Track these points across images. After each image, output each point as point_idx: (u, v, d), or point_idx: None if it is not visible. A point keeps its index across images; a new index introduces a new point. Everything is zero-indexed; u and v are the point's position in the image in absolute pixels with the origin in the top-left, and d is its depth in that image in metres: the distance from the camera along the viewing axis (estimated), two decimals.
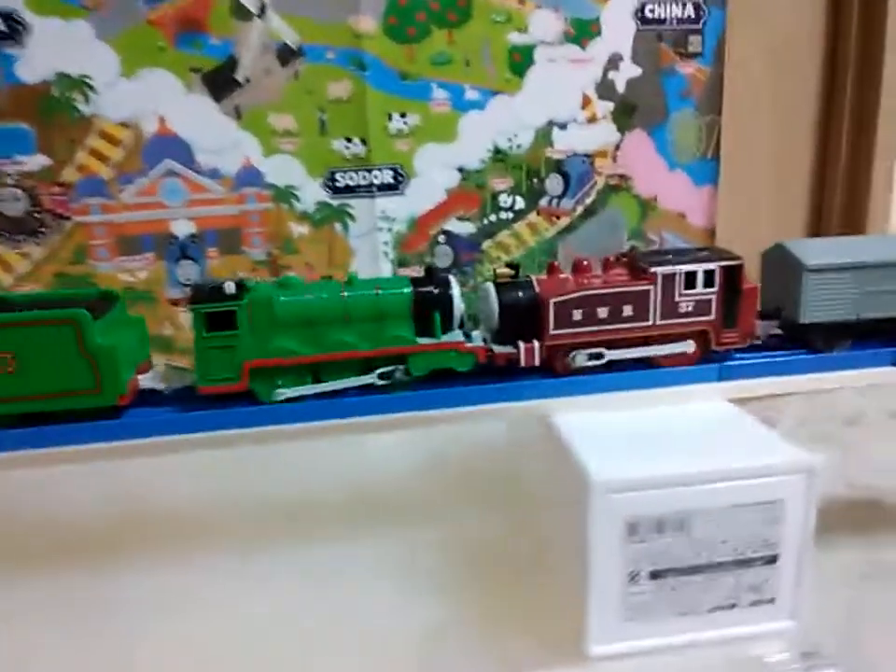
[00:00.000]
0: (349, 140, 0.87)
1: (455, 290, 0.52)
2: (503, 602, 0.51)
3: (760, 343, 0.58)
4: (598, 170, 0.97)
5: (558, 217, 0.97)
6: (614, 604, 0.43)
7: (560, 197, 0.97)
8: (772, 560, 0.44)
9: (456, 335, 0.52)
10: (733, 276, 0.53)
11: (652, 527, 0.42)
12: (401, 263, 0.93)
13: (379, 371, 0.50)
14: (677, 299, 0.53)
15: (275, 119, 0.85)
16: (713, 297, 0.53)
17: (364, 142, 0.88)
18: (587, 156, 0.96)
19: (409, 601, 0.56)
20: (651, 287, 0.52)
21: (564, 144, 0.95)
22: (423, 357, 0.51)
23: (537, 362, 0.52)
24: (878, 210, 1.03)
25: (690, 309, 0.53)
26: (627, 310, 0.52)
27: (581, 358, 0.52)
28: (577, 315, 0.51)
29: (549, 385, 0.53)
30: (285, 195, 0.87)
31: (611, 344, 0.52)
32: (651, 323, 0.53)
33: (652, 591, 0.43)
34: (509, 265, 0.54)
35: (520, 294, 0.52)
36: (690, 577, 0.43)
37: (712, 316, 0.53)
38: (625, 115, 0.96)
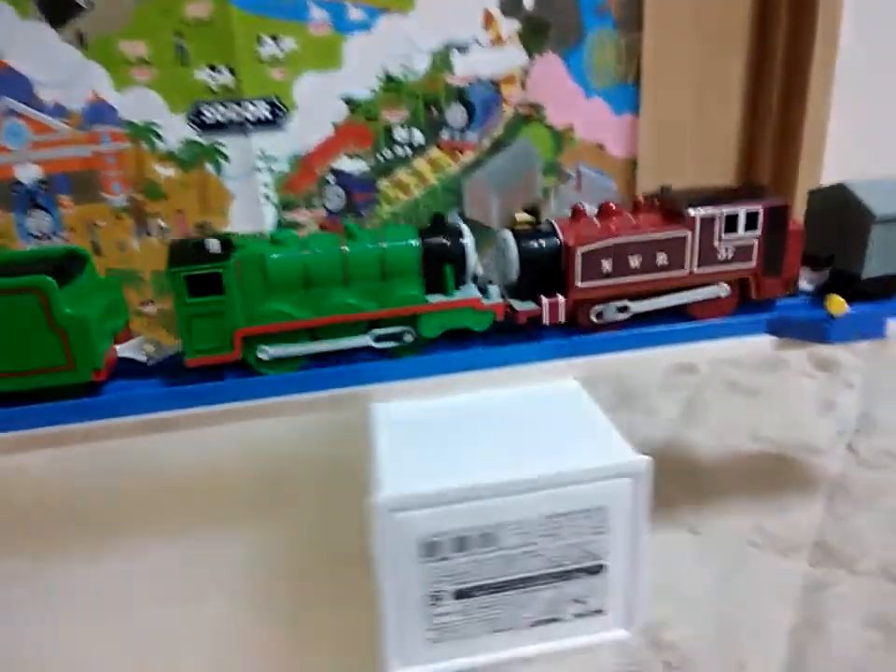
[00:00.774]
0: (214, 68, 0.77)
1: (468, 240, 0.46)
2: (319, 613, 0.47)
3: (809, 291, 0.53)
4: (506, 98, 0.88)
5: (462, 152, 0.89)
6: (416, 626, 0.38)
7: (464, 129, 0.88)
8: (597, 570, 0.39)
9: (472, 291, 0.47)
10: (777, 218, 0.48)
11: (454, 545, 0.37)
12: (286, 206, 0.85)
13: (387, 331, 0.45)
14: (716, 244, 0.48)
15: (126, 46, 0.75)
16: (755, 241, 0.48)
17: (232, 70, 0.78)
18: (492, 82, 0.87)
19: (211, 606, 0.52)
20: (689, 233, 0.47)
21: (465, 69, 0.85)
22: (435, 317, 0.46)
23: (562, 318, 0.47)
24: (813, 136, 0.95)
25: (730, 255, 0.48)
26: (661, 258, 0.47)
27: (610, 312, 0.47)
28: (606, 265, 0.46)
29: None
30: (144, 133, 0.78)
31: (641, 297, 0.48)
32: (687, 272, 0.48)
33: (460, 610, 0.38)
34: (528, 210, 0.48)
35: (543, 243, 0.47)
36: (502, 593, 0.38)
37: (753, 263, 0.49)
38: (535, 35, 0.87)
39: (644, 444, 0.73)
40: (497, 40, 0.85)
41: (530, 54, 0.87)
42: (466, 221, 0.91)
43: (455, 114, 0.87)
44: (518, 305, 0.47)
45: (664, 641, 0.52)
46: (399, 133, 0.85)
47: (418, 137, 0.86)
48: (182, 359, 0.44)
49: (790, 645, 0.52)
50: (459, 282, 0.46)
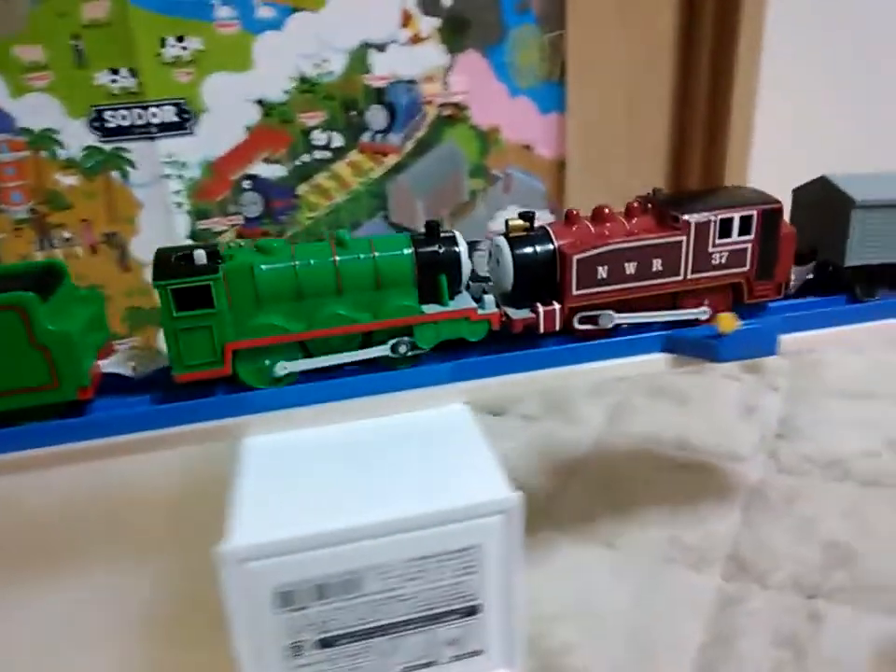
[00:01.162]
0: (115, 71, 0.74)
1: (462, 248, 0.45)
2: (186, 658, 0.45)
3: (793, 291, 0.53)
4: (428, 98, 0.86)
5: (385, 155, 0.86)
6: None
7: (385, 131, 0.85)
8: (471, 611, 0.38)
9: (466, 301, 0.46)
10: (770, 221, 0.48)
11: (313, 594, 0.35)
12: (200, 214, 0.82)
13: (389, 343, 0.45)
14: (710, 249, 0.48)
15: (21, 51, 0.71)
16: (749, 245, 0.48)
17: (134, 73, 0.74)
18: (413, 82, 0.84)
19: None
20: (683, 238, 0.47)
21: (384, 69, 0.83)
22: (430, 328, 0.45)
23: (557, 327, 0.46)
24: (740, 135, 0.95)
25: (723, 261, 0.48)
26: (657, 264, 0.47)
27: (605, 320, 0.47)
28: (602, 272, 0.46)
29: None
30: (43, 140, 0.74)
31: (634, 305, 0.48)
32: (681, 278, 0.48)
33: (325, 660, 0.36)
34: (522, 216, 0.47)
35: (537, 250, 0.46)
36: (369, 640, 0.37)
37: (746, 267, 0.49)
38: (455, 33, 0.84)
39: (566, 455, 0.74)
40: (417, 39, 0.83)
41: (452, 53, 0.85)
42: (392, 226, 0.89)
43: (376, 115, 0.84)
44: (514, 313, 0.46)
45: (566, 667, 0.51)
46: (317, 137, 0.83)
47: (337, 140, 0.84)
48: (169, 373, 0.43)
49: (699, 664, 0.51)
50: (453, 291, 0.46)
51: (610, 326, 0.47)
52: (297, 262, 0.43)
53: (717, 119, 0.94)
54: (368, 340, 0.45)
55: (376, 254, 0.44)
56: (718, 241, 0.47)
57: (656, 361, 0.48)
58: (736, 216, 0.47)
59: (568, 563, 0.60)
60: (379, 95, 0.83)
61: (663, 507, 0.66)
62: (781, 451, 0.72)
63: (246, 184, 0.82)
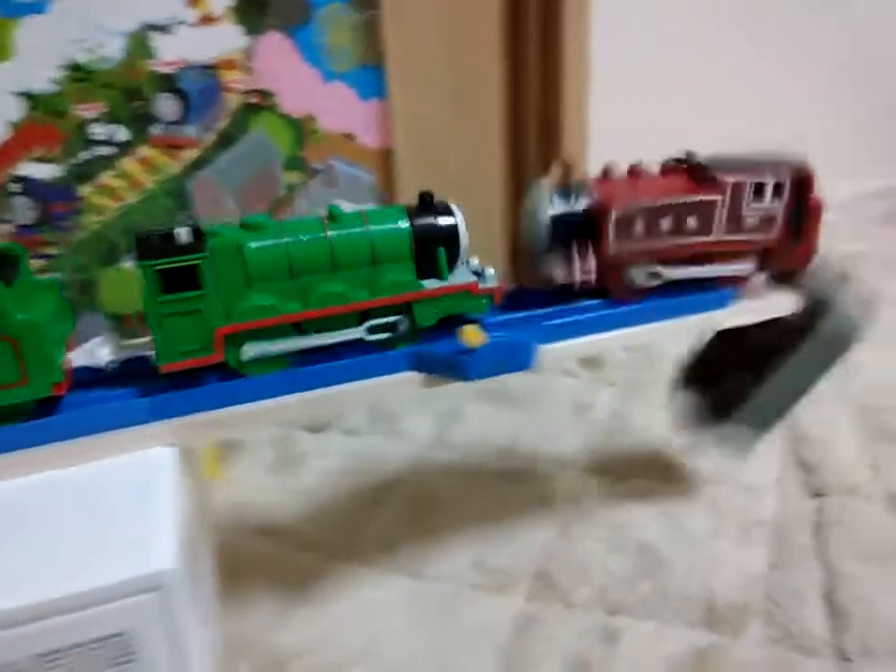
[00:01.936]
0: None
1: (460, 219, 0.44)
2: None
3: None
4: (227, 85, 0.78)
5: (181, 148, 0.78)
6: None
7: (178, 122, 0.77)
8: None
9: (466, 275, 0.44)
10: (800, 189, 0.49)
11: None
12: None
13: (381, 321, 0.42)
14: (743, 212, 0.48)
15: None
16: (779, 211, 0.49)
17: None
18: (208, 67, 0.76)
19: None
20: (720, 198, 0.48)
21: (172, 53, 0.74)
22: (430, 304, 0.43)
23: (594, 282, 0.47)
24: (575, 119, 0.90)
25: (755, 224, 0.49)
26: (691, 222, 0.47)
27: (639, 276, 0.47)
28: (639, 227, 0.46)
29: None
30: None
31: (669, 261, 0.48)
32: (713, 238, 0.49)
33: None
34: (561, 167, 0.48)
35: (575, 202, 0.46)
36: None
37: (775, 233, 0.50)
38: (252, 12, 0.77)
39: (383, 473, 0.67)
40: (208, 19, 0.75)
41: (251, 34, 0.77)
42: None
43: (166, 105, 0.76)
44: (548, 267, 0.46)
45: None
46: (97, 130, 0.74)
47: (123, 134, 0.75)
48: (147, 363, 0.40)
49: None
50: (452, 265, 0.44)
51: (640, 285, 0.47)
52: (288, 239, 0.40)
53: (550, 96, 0.90)
54: (363, 320, 0.43)
55: (371, 227, 0.42)
56: (752, 203, 0.48)
57: (406, 381, 0.42)
58: (770, 180, 0.48)
59: (367, 599, 0.54)
60: (168, 82, 0.75)
61: (475, 526, 0.61)
62: (608, 452, 0.69)
63: (15, 187, 0.73)
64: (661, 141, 0.91)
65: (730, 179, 0.47)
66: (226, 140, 0.79)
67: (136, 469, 0.36)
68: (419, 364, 0.42)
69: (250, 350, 0.40)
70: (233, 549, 0.59)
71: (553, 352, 0.44)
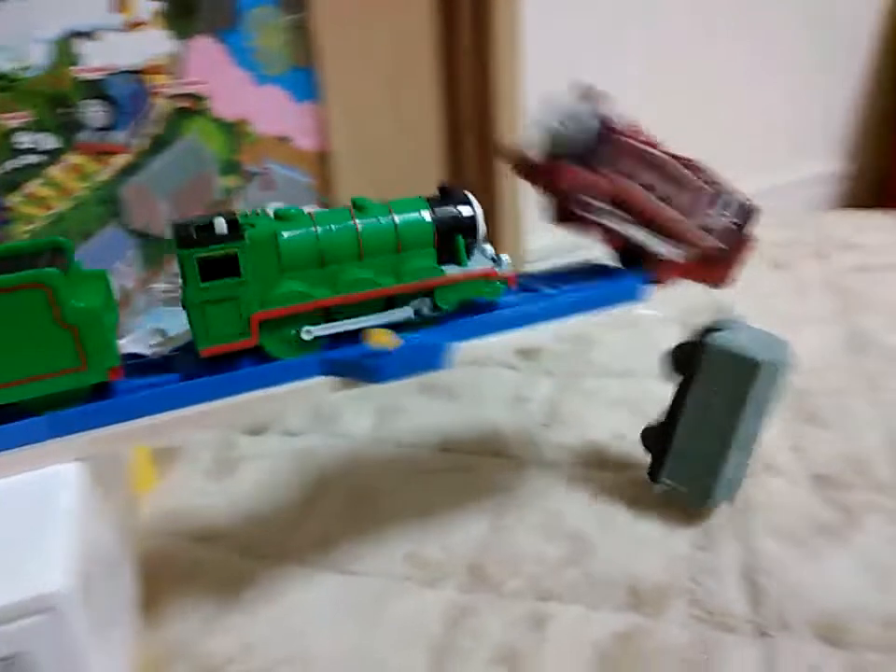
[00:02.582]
0: None
1: (477, 209, 0.47)
2: None
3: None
4: (157, 90, 0.77)
5: (111, 155, 0.77)
6: None
7: (108, 129, 0.76)
8: None
9: (483, 260, 0.48)
10: (746, 220, 0.55)
11: None
12: None
13: (412, 305, 0.45)
14: (709, 210, 0.53)
15: None
16: (726, 226, 0.54)
17: None
18: (136, 73, 0.76)
19: None
20: (705, 184, 0.52)
21: (99, 59, 0.74)
22: (451, 290, 0.46)
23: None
24: (509, 116, 0.92)
25: (706, 225, 0.53)
26: (668, 189, 0.50)
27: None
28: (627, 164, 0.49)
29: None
30: None
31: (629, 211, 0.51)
32: (675, 216, 0.51)
33: None
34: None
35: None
36: None
37: (711, 243, 0.53)
38: (180, 17, 0.76)
39: (321, 472, 0.68)
40: (135, 24, 0.74)
41: (180, 38, 0.77)
42: (132, 233, 0.81)
43: (95, 111, 0.75)
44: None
45: None
46: (24, 139, 0.73)
47: (50, 142, 0.74)
48: (188, 351, 0.42)
49: None
50: (469, 252, 0.47)
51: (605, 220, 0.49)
52: (318, 228, 0.43)
53: (485, 94, 0.91)
54: (390, 303, 0.45)
55: (396, 217, 0.44)
56: (717, 209, 0.53)
57: (318, 386, 0.42)
58: (736, 200, 0.53)
59: (299, 599, 0.55)
60: (95, 89, 0.74)
61: (411, 519, 0.61)
62: (543, 441, 0.70)
63: None
64: None
65: (718, 180, 0.52)
66: (158, 145, 0.79)
67: (35, 488, 0.36)
68: (332, 369, 0.42)
69: (307, 335, 0.43)
70: (168, 556, 0.59)
71: (475, 349, 0.45)
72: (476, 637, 0.51)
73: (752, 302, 0.75)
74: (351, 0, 0.83)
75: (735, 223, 0.54)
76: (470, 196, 0.47)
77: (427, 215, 0.45)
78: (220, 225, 0.40)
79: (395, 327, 0.44)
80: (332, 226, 0.43)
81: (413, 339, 0.43)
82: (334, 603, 0.54)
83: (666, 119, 1.03)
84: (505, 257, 0.47)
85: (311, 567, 0.57)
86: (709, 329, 0.54)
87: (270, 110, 0.84)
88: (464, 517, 0.61)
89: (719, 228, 0.53)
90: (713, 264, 0.54)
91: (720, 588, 0.52)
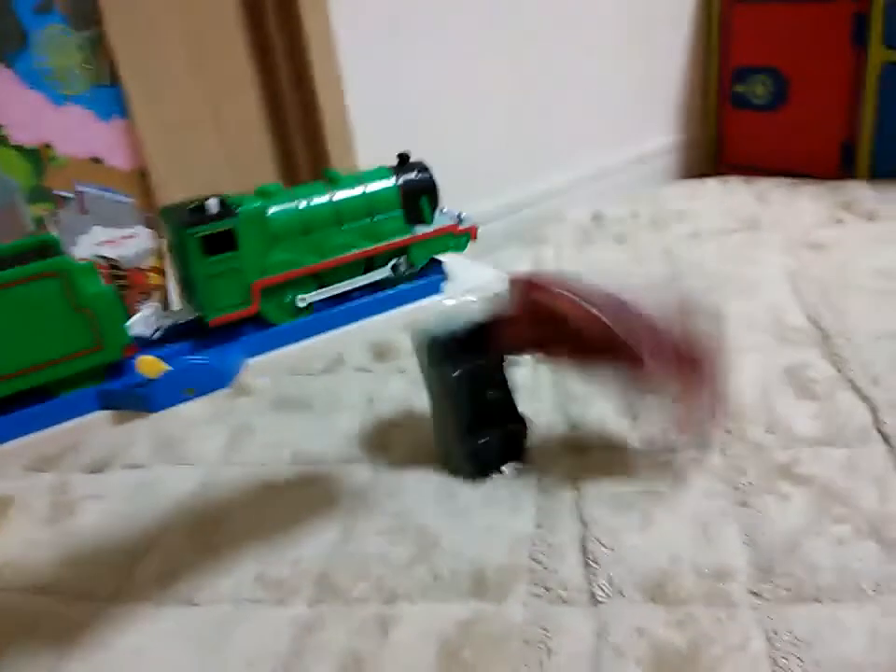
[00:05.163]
0: None
1: (434, 174, 0.52)
2: None
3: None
4: None
5: None
6: None
7: None
8: None
9: (446, 219, 0.53)
10: None
11: None
12: None
13: (390, 264, 0.51)
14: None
15: None
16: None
17: None
18: None
19: None
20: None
21: None
22: (422, 246, 0.52)
23: None
24: (335, 119, 0.91)
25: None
26: None
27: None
28: None
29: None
30: None
31: None
32: None
33: None
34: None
35: None
36: None
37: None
38: None
39: (166, 504, 0.65)
40: None
41: None
42: None
43: None
44: None
45: None
46: None
47: None
48: (185, 326, 0.46)
49: None
50: (433, 212, 0.52)
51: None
52: (300, 201, 0.48)
53: (306, 96, 0.89)
54: (368, 264, 0.51)
55: (366, 186, 0.50)
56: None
57: (99, 420, 0.40)
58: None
59: (143, 637, 0.53)
60: None
61: (261, 539, 0.60)
62: (393, 440, 0.70)
63: None
64: (425, 133, 0.93)
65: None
66: None
67: None
68: (107, 402, 0.40)
69: (301, 301, 0.48)
70: (4, 611, 0.56)
71: (266, 364, 0.45)
72: (321, 649, 0.50)
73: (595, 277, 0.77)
74: (144, 13, 0.79)
75: None
76: (426, 164, 0.52)
77: (391, 180, 0.51)
78: (212, 205, 0.43)
79: (375, 285, 0.50)
80: (312, 197, 0.48)
81: (184, 363, 0.42)
82: (176, 637, 0.52)
83: (503, 121, 1.04)
84: (466, 213, 0.53)
85: (152, 603, 0.55)
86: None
87: (74, 131, 0.79)
88: (313, 529, 0.61)
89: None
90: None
91: (558, 563, 0.54)
